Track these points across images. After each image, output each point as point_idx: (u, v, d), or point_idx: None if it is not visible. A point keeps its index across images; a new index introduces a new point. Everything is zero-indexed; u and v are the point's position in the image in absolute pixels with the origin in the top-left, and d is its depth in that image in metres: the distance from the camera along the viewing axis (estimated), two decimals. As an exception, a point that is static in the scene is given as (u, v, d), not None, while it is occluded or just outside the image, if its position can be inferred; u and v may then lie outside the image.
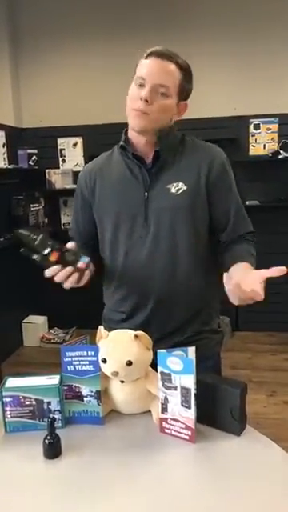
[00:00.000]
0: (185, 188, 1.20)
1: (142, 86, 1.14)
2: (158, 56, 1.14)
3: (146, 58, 1.15)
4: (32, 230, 1.07)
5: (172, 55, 1.15)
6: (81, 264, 1.07)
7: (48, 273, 1.07)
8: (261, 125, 3.62)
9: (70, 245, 1.11)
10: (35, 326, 3.86)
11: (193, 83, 1.23)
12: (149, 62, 1.15)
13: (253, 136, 3.64)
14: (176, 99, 1.19)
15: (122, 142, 1.25)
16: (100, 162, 1.32)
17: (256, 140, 3.65)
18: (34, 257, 1.05)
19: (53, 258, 1.05)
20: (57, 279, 1.08)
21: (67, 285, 1.10)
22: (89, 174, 1.31)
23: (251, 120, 3.62)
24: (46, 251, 1.05)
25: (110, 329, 1.10)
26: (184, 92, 1.20)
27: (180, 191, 1.20)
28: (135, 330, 1.08)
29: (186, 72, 1.19)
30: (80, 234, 1.36)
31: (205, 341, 1.25)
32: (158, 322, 1.24)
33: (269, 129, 3.62)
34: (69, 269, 1.07)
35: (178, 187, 1.20)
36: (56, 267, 1.06)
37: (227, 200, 1.24)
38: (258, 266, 1.16)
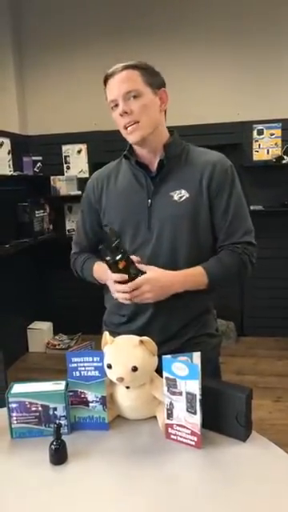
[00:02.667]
0: (187, 195, 1.22)
1: (117, 106, 1.20)
2: (111, 75, 1.20)
3: (106, 85, 1.22)
4: (115, 233, 1.15)
5: (122, 65, 1.20)
6: None
7: (116, 277, 1.13)
8: (264, 130, 3.63)
9: (136, 259, 1.16)
10: (40, 332, 3.87)
11: (159, 73, 1.25)
12: (109, 85, 1.21)
13: (256, 141, 3.65)
14: (151, 92, 1.21)
15: (125, 152, 1.29)
16: (108, 170, 1.36)
17: (259, 145, 3.65)
18: (107, 258, 1.11)
19: (121, 265, 1.11)
20: (118, 288, 1.14)
21: (119, 297, 1.16)
22: (96, 181, 1.35)
23: (254, 125, 3.63)
24: (118, 257, 1.10)
25: (110, 332, 1.11)
26: (153, 83, 1.22)
27: (182, 199, 1.22)
28: (134, 333, 1.09)
29: (142, 67, 1.21)
30: (85, 238, 1.40)
31: (202, 345, 1.25)
32: (157, 326, 1.25)
33: (272, 134, 3.62)
34: (130, 284, 1.13)
35: (180, 195, 1.22)
36: (123, 276, 1.13)
37: (226, 207, 1.23)
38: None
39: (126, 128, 1.21)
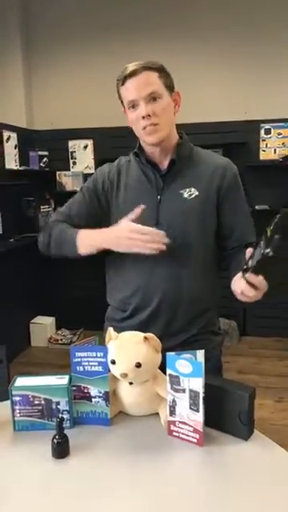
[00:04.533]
0: (197, 193, 1.23)
1: (135, 106, 1.20)
2: (132, 75, 1.18)
3: (123, 84, 1.20)
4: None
5: (141, 66, 1.18)
6: None
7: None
8: (271, 129, 3.62)
9: None
10: (43, 327, 3.88)
11: (170, 73, 1.24)
12: (128, 84, 1.19)
13: (263, 140, 3.64)
14: (168, 95, 1.22)
15: (135, 150, 1.30)
16: (118, 166, 1.35)
17: (266, 144, 3.64)
18: (267, 250, 0.96)
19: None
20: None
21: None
22: (107, 175, 1.33)
23: (262, 124, 3.62)
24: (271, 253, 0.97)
25: (113, 327, 1.11)
26: (169, 86, 1.23)
27: (192, 196, 1.23)
28: (137, 328, 1.09)
29: (159, 69, 1.21)
30: (69, 217, 1.35)
31: (204, 342, 1.26)
32: (160, 321, 1.25)
33: (279, 133, 3.61)
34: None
35: (190, 192, 1.24)
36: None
37: (237, 210, 1.27)
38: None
39: (144, 129, 1.20)
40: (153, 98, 1.18)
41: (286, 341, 3.71)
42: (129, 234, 1.11)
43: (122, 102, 1.25)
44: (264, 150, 3.65)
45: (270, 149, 3.64)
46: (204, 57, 3.61)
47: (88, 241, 1.22)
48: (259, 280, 1.00)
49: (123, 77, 1.20)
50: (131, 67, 1.19)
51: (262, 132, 3.63)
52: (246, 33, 3.54)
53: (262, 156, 3.65)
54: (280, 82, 3.56)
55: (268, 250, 0.95)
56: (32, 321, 3.90)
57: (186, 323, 1.27)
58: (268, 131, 3.62)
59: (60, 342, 3.80)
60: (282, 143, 3.61)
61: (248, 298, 1.05)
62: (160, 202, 1.24)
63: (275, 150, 3.63)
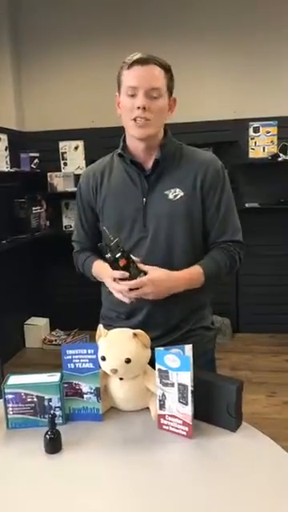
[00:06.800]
0: (182, 194, 1.24)
1: (133, 95, 1.18)
2: (142, 63, 1.17)
3: (129, 67, 1.19)
4: (113, 232, 1.16)
5: (153, 58, 1.19)
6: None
7: (117, 274, 1.13)
8: (260, 128, 3.65)
9: (136, 259, 1.16)
10: (37, 328, 3.89)
11: (174, 79, 1.25)
12: (134, 70, 1.18)
13: (252, 139, 3.67)
14: (167, 98, 1.23)
15: (119, 150, 1.29)
16: (101, 167, 1.35)
17: (255, 143, 3.67)
18: (107, 255, 1.11)
19: (121, 263, 1.11)
20: (118, 288, 1.15)
21: (119, 297, 1.17)
22: (93, 178, 1.34)
23: (250, 123, 3.64)
24: (118, 255, 1.11)
25: (107, 326, 1.13)
26: (171, 89, 1.24)
27: (177, 197, 1.24)
28: (132, 328, 1.11)
29: (168, 70, 1.22)
30: (85, 237, 1.40)
31: (198, 338, 1.28)
32: (154, 322, 1.27)
33: (268, 132, 3.64)
34: (132, 283, 1.13)
35: (175, 193, 1.24)
36: (124, 273, 1.13)
37: (217, 206, 1.27)
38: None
39: (134, 120, 1.19)
40: (153, 94, 1.17)
41: (279, 337, 3.74)
42: (107, 281, 1.23)
43: (119, 85, 1.24)
44: (253, 149, 3.68)
45: (259, 147, 3.67)
46: (193, 57, 3.63)
47: (96, 273, 1.33)
48: (125, 282, 1.12)
49: (132, 61, 1.18)
50: (143, 54, 1.18)
51: (251, 130, 3.66)
52: (236, 33, 3.57)
53: (251, 154, 3.68)
54: (268, 80, 3.59)
55: (108, 256, 1.11)
56: (26, 322, 3.90)
57: (179, 321, 1.29)
58: (257, 129, 3.65)
59: (54, 342, 3.80)
60: (271, 141, 3.65)
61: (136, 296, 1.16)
62: (146, 204, 1.25)
63: (264, 148, 3.66)
